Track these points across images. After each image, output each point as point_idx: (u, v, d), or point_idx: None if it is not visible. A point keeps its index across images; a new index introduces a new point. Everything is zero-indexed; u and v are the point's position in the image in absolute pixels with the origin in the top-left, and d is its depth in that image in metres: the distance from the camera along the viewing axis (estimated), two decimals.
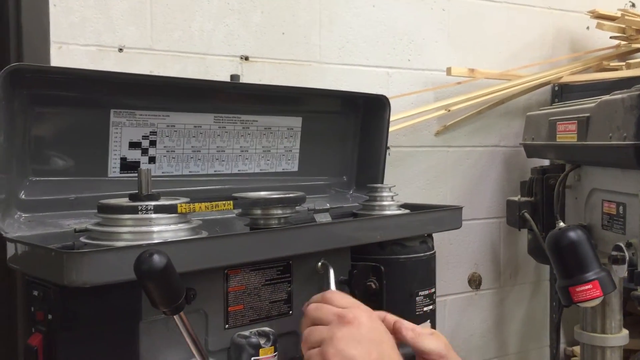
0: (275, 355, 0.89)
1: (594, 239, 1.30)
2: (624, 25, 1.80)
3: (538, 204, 1.55)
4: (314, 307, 0.82)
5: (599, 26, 1.82)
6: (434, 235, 1.16)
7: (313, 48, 1.53)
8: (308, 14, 1.52)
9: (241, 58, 1.44)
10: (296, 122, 1.27)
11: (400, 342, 0.84)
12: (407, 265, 1.08)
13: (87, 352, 0.77)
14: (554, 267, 1.20)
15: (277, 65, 1.48)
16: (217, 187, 1.17)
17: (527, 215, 1.55)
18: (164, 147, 1.11)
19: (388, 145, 1.35)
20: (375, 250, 1.07)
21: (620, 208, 1.26)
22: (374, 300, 1.02)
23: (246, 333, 0.89)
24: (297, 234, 0.96)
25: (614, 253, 1.19)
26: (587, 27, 1.93)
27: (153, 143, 1.09)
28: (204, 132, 1.15)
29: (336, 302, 0.82)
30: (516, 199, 1.60)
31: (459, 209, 1.20)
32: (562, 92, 1.83)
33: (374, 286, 1.05)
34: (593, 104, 1.31)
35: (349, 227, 1.05)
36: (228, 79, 1.33)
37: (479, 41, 1.78)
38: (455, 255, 1.78)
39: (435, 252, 1.14)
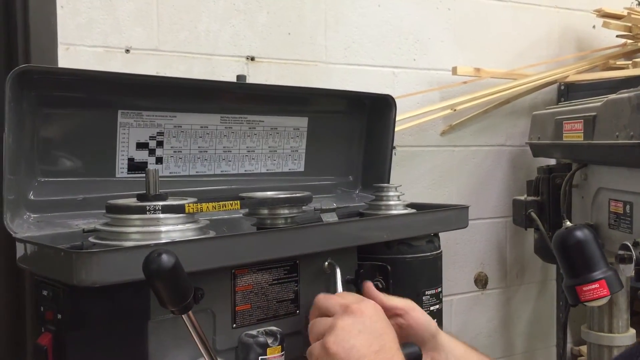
0: (282, 355, 0.90)
1: (601, 238, 1.30)
2: (630, 24, 1.80)
3: (544, 203, 1.55)
4: (322, 297, 0.84)
5: (605, 25, 1.81)
6: (440, 234, 1.16)
7: (319, 48, 1.53)
8: (314, 14, 1.52)
9: (247, 58, 1.44)
10: (302, 122, 1.27)
11: (405, 342, 0.84)
12: (414, 264, 1.08)
13: (96, 352, 0.78)
14: (561, 267, 1.19)
15: (283, 65, 1.48)
16: (223, 187, 1.18)
17: (533, 214, 1.54)
18: (171, 147, 1.12)
19: (394, 145, 1.35)
20: (381, 250, 1.07)
21: (627, 207, 1.25)
22: None
23: (254, 332, 0.90)
24: (304, 234, 0.97)
25: (621, 252, 1.18)
26: (593, 26, 1.93)
27: (160, 144, 1.10)
28: (210, 132, 1.16)
29: (345, 295, 0.84)
30: (522, 198, 1.60)
31: (465, 208, 1.20)
32: (568, 91, 1.83)
33: (380, 286, 1.05)
34: (599, 103, 1.31)
35: (355, 226, 1.06)
36: (234, 80, 1.33)
37: (484, 40, 1.78)
38: (462, 254, 1.78)
39: (441, 252, 1.14)
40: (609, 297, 1.13)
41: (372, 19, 1.60)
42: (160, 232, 0.83)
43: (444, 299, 1.15)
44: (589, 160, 1.41)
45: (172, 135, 1.11)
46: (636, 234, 1.22)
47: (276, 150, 1.25)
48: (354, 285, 1.03)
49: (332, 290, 0.95)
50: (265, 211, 1.01)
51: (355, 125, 1.35)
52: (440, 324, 1.12)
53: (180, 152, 1.13)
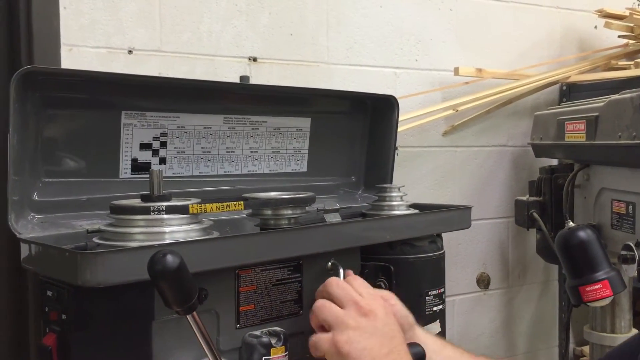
0: (286, 355, 0.90)
1: (603, 238, 1.30)
2: (632, 24, 1.80)
3: (547, 203, 1.55)
4: (335, 283, 0.83)
5: (606, 25, 1.81)
6: (442, 235, 1.16)
7: (321, 49, 1.54)
8: (315, 15, 1.53)
9: (249, 59, 1.44)
10: (305, 122, 1.28)
11: (409, 342, 0.84)
12: (417, 265, 1.08)
13: (101, 352, 0.78)
14: (564, 267, 1.20)
15: (285, 66, 1.49)
16: (226, 187, 1.18)
17: (535, 214, 1.54)
18: (175, 148, 1.12)
19: (396, 145, 1.35)
20: (384, 250, 1.07)
21: (630, 207, 1.26)
22: None
23: (257, 333, 0.90)
24: (308, 234, 0.97)
25: (624, 252, 1.18)
26: (595, 26, 1.93)
27: (164, 144, 1.10)
28: (213, 133, 1.16)
29: (357, 287, 0.83)
30: (524, 198, 1.60)
31: (468, 208, 1.20)
32: (570, 91, 1.83)
33: (383, 286, 1.05)
34: (602, 104, 1.31)
35: (358, 227, 1.06)
36: (236, 80, 1.34)
37: (486, 41, 1.78)
38: (464, 255, 1.78)
39: (444, 252, 1.14)
40: (612, 297, 1.13)
41: (374, 19, 1.61)
42: (165, 232, 0.84)
43: (446, 299, 1.16)
44: (591, 161, 1.42)
45: (176, 136, 1.11)
46: (639, 234, 1.22)
47: (279, 151, 1.26)
48: None
49: None
50: (269, 212, 1.01)
51: (358, 125, 1.35)
52: (443, 324, 1.12)
53: (184, 152, 1.13)
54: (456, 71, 1.67)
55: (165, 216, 0.84)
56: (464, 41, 1.74)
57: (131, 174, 1.07)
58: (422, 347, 0.85)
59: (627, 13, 1.81)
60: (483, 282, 1.82)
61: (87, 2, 1.26)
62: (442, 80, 1.70)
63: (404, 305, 0.90)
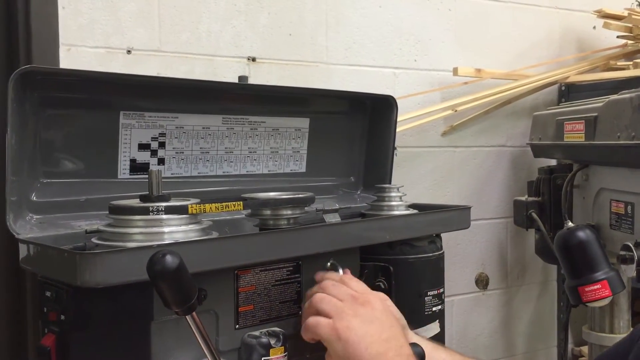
0: (285, 356, 0.90)
1: (602, 238, 1.30)
2: (630, 25, 1.80)
3: (545, 203, 1.55)
4: (331, 284, 0.85)
5: (605, 25, 1.82)
6: (441, 235, 1.16)
7: (320, 49, 1.54)
8: (314, 15, 1.52)
9: (248, 59, 1.44)
10: (304, 123, 1.28)
11: (409, 343, 0.85)
12: (416, 265, 1.08)
13: (100, 352, 0.78)
14: (563, 267, 1.20)
15: (284, 66, 1.48)
16: (225, 188, 1.18)
17: (534, 215, 1.55)
18: (173, 148, 1.12)
19: (395, 145, 1.35)
20: (384, 251, 1.07)
21: (629, 207, 1.26)
22: None
23: (256, 333, 0.89)
24: (307, 235, 0.97)
25: (623, 253, 1.18)
26: (594, 27, 1.93)
27: (162, 145, 1.10)
28: (212, 133, 1.16)
29: (352, 286, 0.85)
30: (523, 198, 1.60)
31: (467, 209, 1.20)
32: (568, 91, 1.83)
33: (382, 286, 1.05)
34: (601, 104, 1.31)
35: (358, 227, 1.06)
36: (235, 80, 1.33)
37: (485, 41, 1.78)
38: (462, 255, 1.78)
39: (443, 252, 1.14)
40: (611, 297, 1.13)
41: (373, 19, 1.61)
42: (164, 233, 0.83)
43: (445, 299, 1.15)
44: (590, 161, 1.42)
45: (174, 136, 1.11)
46: (637, 235, 1.22)
47: (278, 151, 1.25)
48: None
49: None
50: (268, 212, 1.01)
51: (357, 126, 1.35)
52: (442, 324, 1.12)
53: (182, 153, 1.13)
54: (455, 71, 1.67)
55: (164, 216, 0.84)
56: (463, 41, 1.74)
57: (130, 175, 1.07)
58: (422, 348, 0.85)
59: (625, 13, 1.81)
60: (482, 282, 1.82)
61: (86, 1, 1.25)
62: (441, 81, 1.70)
63: (397, 309, 0.91)
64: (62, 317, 0.78)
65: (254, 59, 1.44)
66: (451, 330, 1.74)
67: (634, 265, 1.17)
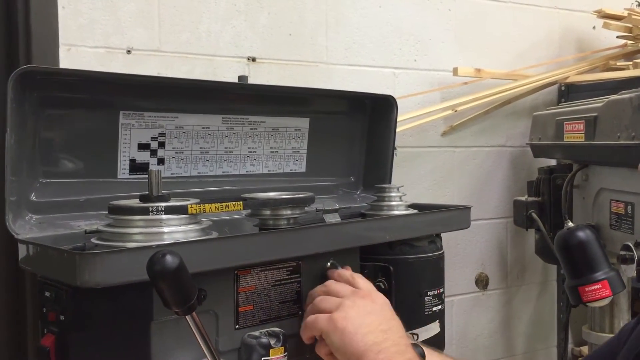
0: (285, 356, 0.89)
1: (602, 238, 1.30)
2: (630, 25, 1.80)
3: (545, 203, 1.55)
4: (333, 283, 0.86)
5: (605, 26, 1.82)
6: (441, 235, 1.16)
7: (320, 49, 1.53)
8: (314, 15, 1.52)
9: (248, 59, 1.44)
10: (303, 122, 1.27)
11: (410, 343, 0.85)
12: (416, 265, 1.08)
13: (99, 353, 0.78)
14: (563, 267, 1.20)
15: (284, 66, 1.48)
16: (225, 188, 1.18)
17: (534, 215, 1.55)
18: (173, 148, 1.11)
19: (395, 145, 1.35)
20: (384, 251, 1.07)
21: (629, 207, 1.26)
22: None
23: (256, 333, 0.89)
24: (307, 235, 0.97)
25: (623, 253, 1.18)
26: (594, 27, 1.93)
27: (162, 144, 1.10)
28: (212, 133, 1.15)
29: (357, 283, 0.87)
30: (523, 198, 1.60)
31: (467, 208, 1.20)
32: (568, 92, 1.83)
33: (383, 286, 1.05)
34: (601, 104, 1.31)
35: (358, 227, 1.05)
36: (235, 80, 1.33)
37: (485, 41, 1.78)
38: (462, 255, 1.78)
39: (443, 252, 1.14)
40: (611, 297, 1.13)
41: (373, 19, 1.60)
42: (163, 233, 0.83)
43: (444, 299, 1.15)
44: (590, 161, 1.42)
45: (174, 136, 1.11)
46: (637, 235, 1.22)
47: (277, 151, 1.25)
48: None
49: None
50: (268, 212, 1.01)
51: (357, 125, 1.35)
52: (442, 324, 1.12)
53: (182, 153, 1.13)
54: (455, 71, 1.67)
55: (164, 216, 0.84)
56: (462, 41, 1.74)
57: (129, 175, 1.07)
58: (422, 348, 0.85)
59: (625, 14, 1.81)
60: (482, 282, 1.82)
61: (86, 1, 1.25)
62: (441, 81, 1.70)
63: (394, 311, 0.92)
64: (62, 317, 0.78)
65: (253, 59, 1.44)
66: (451, 330, 1.74)
67: (634, 265, 1.17)
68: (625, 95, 1.23)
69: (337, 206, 1.18)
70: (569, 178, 1.47)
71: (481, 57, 1.76)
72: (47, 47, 1.20)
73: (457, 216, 1.19)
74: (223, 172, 1.19)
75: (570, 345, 1.89)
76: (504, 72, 1.77)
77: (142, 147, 1.08)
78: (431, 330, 1.09)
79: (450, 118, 1.71)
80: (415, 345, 0.84)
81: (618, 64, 1.83)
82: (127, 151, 1.06)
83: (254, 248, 0.88)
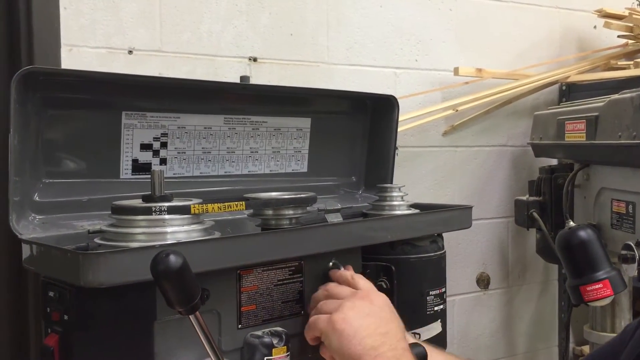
0: (287, 355, 0.90)
1: (603, 238, 1.30)
2: (631, 24, 1.80)
3: (546, 203, 1.55)
4: (334, 285, 0.86)
5: (606, 25, 1.82)
6: (442, 235, 1.16)
7: (321, 49, 1.54)
8: (316, 15, 1.53)
9: (249, 59, 1.44)
10: (305, 123, 1.28)
11: (411, 343, 0.85)
12: (418, 265, 1.08)
13: (103, 352, 0.78)
14: (564, 267, 1.20)
15: (286, 66, 1.49)
16: (227, 188, 1.18)
17: (535, 214, 1.55)
18: (175, 148, 1.12)
19: (396, 145, 1.35)
20: (385, 250, 1.07)
21: (630, 207, 1.26)
22: None
23: (259, 333, 0.90)
24: (309, 234, 0.97)
25: (624, 252, 1.19)
26: (595, 26, 1.93)
27: (164, 145, 1.10)
28: (214, 133, 1.16)
29: (358, 284, 0.88)
30: (524, 198, 1.60)
31: (468, 208, 1.20)
32: (569, 91, 1.83)
33: (384, 286, 1.05)
34: (602, 103, 1.31)
35: (360, 227, 1.06)
36: (237, 80, 1.33)
37: (486, 41, 1.79)
38: (464, 255, 1.78)
39: (445, 252, 1.14)
40: (612, 297, 1.14)
41: (374, 19, 1.61)
42: (166, 233, 0.84)
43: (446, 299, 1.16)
44: (591, 161, 1.42)
45: (176, 136, 1.11)
46: (638, 234, 1.23)
47: (279, 151, 1.26)
48: None
49: None
50: (270, 212, 1.01)
51: (358, 125, 1.35)
52: (443, 324, 1.12)
53: (184, 153, 1.13)
54: (456, 71, 1.68)
55: (167, 216, 0.84)
56: (463, 41, 1.74)
57: (132, 175, 1.07)
58: (424, 347, 0.85)
59: (626, 13, 1.81)
60: (483, 282, 1.83)
61: (88, 2, 1.25)
62: (442, 80, 1.71)
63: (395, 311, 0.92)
64: (65, 317, 0.78)
65: (255, 59, 1.45)
66: (452, 330, 1.74)
67: (635, 265, 1.17)
68: (626, 94, 1.23)
69: (339, 206, 1.19)
70: (570, 177, 1.47)
71: (482, 56, 1.76)
72: (48, 48, 1.20)
73: (458, 216, 1.19)
74: (225, 172, 1.19)
75: (571, 345, 1.89)
76: (505, 72, 1.77)
77: (145, 147, 1.08)
78: (433, 329, 1.09)
79: (451, 118, 1.72)
80: (417, 345, 0.84)
81: (619, 63, 1.83)
82: (129, 151, 1.06)
83: (256, 248, 0.89)
